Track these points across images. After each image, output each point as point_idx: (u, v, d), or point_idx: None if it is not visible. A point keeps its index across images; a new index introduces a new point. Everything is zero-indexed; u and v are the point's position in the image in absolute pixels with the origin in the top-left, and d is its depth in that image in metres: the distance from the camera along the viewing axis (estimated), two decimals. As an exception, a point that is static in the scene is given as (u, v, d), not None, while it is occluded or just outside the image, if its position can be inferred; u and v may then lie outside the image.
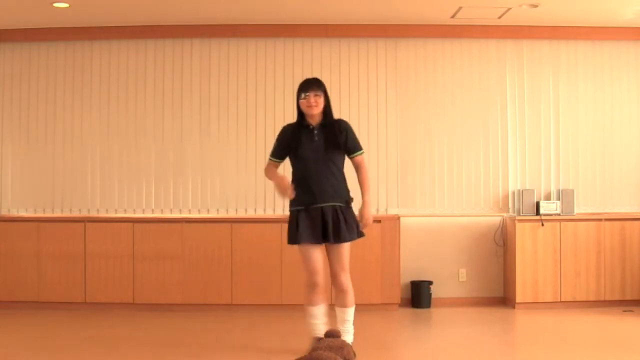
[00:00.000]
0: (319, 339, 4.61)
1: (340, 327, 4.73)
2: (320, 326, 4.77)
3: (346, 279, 4.74)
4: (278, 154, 4.90)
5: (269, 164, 4.98)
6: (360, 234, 4.81)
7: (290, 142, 4.81)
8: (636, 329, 5.83)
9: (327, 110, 4.81)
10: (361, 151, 4.91)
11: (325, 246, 4.75)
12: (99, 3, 6.31)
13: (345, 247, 4.73)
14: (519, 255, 6.71)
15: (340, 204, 4.72)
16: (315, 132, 4.77)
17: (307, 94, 4.73)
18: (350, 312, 4.77)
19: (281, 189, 4.79)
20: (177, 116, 7.10)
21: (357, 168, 4.91)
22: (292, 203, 4.79)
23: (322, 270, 4.73)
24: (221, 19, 6.83)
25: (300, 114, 4.82)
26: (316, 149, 4.74)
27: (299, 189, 4.74)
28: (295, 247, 4.78)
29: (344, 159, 4.87)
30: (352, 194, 4.85)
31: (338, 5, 6.46)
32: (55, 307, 6.69)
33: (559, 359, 4.81)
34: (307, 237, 4.67)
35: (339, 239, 4.67)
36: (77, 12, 6.53)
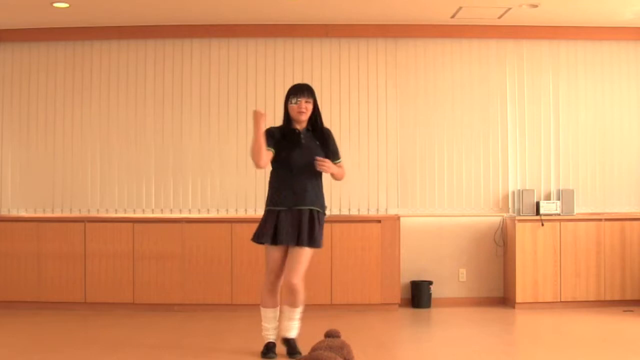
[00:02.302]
0: (269, 345, 4.80)
1: (286, 323, 4.81)
2: (272, 331, 4.86)
3: (299, 282, 4.74)
4: (271, 142, 4.78)
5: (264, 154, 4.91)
6: (320, 246, 4.81)
7: (281, 140, 4.79)
8: (636, 329, 5.83)
9: (316, 116, 4.85)
10: (340, 159, 4.98)
11: (289, 246, 4.76)
12: (99, 3, 6.31)
13: (308, 252, 4.75)
14: (519, 255, 6.71)
15: (319, 210, 4.78)
16: (302, 136, 4.80)
17: (299, 99, 4.76)
18: (298, 311, 4.82)
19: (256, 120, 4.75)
20: (177, 116, 7.10)
21: (340, 172, 4.99)
22: (272, 203, 4.80)
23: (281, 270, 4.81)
24: (221, 19, 6.83)
25: (287, 118, 4.86)
26: (302, 154, 4.76)
27: (282, 189, 4.77)
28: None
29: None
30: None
31: (338, 5, 6.46)
32: (55, 307, 6.70)
33: (559, 359, 4.82)
34: (285, 239, 4.69)
35: (310, 242, 4.70)
36: (77, 12, 6.53)
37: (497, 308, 6.85)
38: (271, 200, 4.81)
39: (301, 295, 4.78)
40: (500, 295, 7.08)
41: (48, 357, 4.86)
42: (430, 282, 6.94)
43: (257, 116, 4.72)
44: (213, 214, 7.03)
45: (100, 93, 7.13)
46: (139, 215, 7.00)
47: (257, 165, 4.76)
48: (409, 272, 7.00)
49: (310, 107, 4.80)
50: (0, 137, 7.15)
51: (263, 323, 4.88)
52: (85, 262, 6.79)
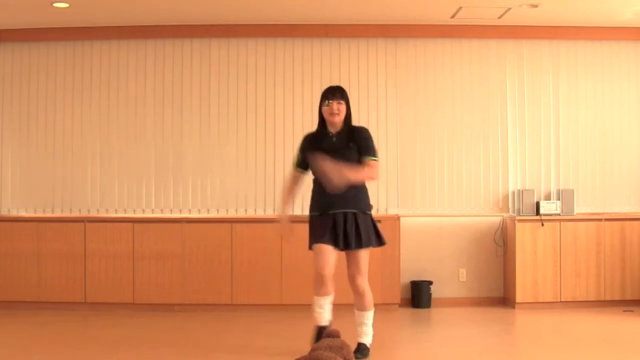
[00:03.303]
0: (322, 328, 4.66)
1: (358, 329, 4.78)
2: (324, 315, 4.76)
3: (362, 282, 4.74)
4: (301, 163, 4.89)
5: (291, 176, 4.99)
6: (381, 243, 4.80)
7: (312, 150, 4.79)
8: (636, 329, 5.83)
9: (348, 118, 4.82)
10: (372, 157, 4.78)
11: (345, 253, 4.76)
12: (99, 3, 6.31)
13: (362, 254, 4.74)
14: (519, 255, 6.71)
15: (356, 211, 4.72)
16: (334, 139, 4.77)
17: (331, 101, 4.74)
18: (367, 315, 4.79)
19: (281, 230, 4.88)
20: (177, 116, 7.10)
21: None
22: (311, 209, 4.82)
23: (332, 266, 4.72)
24: (221, 19, 6.83)
25: (322, 121, 4.84)
26: (334, 155, 4.68)
27: (316, 195, 4.80)
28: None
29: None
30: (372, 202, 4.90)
31: (338, 5, 6.46)
32: (55, 307, 6.69)
33: (559, 359, 4.81)
34: (322, 239, 4.68)
35: (354, 245, 4.69)
36: (77, 12, 6.53)
37: (497, 308, 6.85)
38: (310, 206, 4.84)
39: (367, 298, 4.76)
40: (500, 295, 7.08)
41: (48, 357, 4.86)
42: (430, 282, 6.94)
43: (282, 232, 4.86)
44: (213, 214, 7.03)
45: (100, 93, 7.12)
46: (139, 215, 7.00)
47: (298, 181, 4.94)
48: (409, 272, 7.00)
49: (343, 108, 4.75)
50: (0, 137, 7.15)
51: (315, 308, 4.75)
52: (85, 262, 6.78)
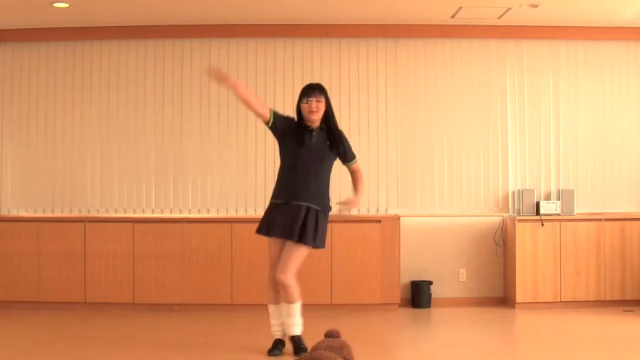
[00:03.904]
0: (276, 341, 4.81)
1: (286, 320, 4.82)
2: (277, 327, 4.87)
3: (285, 277, 4.72)
4: (278, 118, 4.83)
5: (263, 104, 4.94)
6: (319, 246, 4.82)
7: (291, 134, 4.82)
8: (636, 329, 5.83)
9: (328, 116, 4.87)
10: (355, 159, 5.02)
11: (286, 242, 4.78)
12: (99, 3, 6.31)
13: (301, 250, 4.75)
14: (519, 255, 6.71)
15: (318, 208, 4.78)
16: (314, 134, 4.82)
17: (310, 99, 4.79)
18: (295, 307, 4.79)
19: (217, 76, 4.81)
20: (177, 116, 7.10)
21: (355, 173, 5.04)
22: (273, 196, 4.87)
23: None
24: (221, 19, 6.83)
25: (300, 118, 4.87)
26: (311, 151, 4.79)
27: (284, 183, 4.82)
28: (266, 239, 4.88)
29: (331, 167, 4.93)
30: (331, 203, 4.96)
31: (338, 5, 6.46)
32: (55, 307, 6.69)
33: (558, 359, 4.82)
34: (278, 231, 4.73)
35: (300, 239, 4.71)
36: (77, 12, 6.53)
37: (497, 308, 6.85)
38: (273, 193, 4.88)
39: (292, 290, 4.75)
40: (500, 295, 7.08)
41: (48, 357, 4.86)
42: (430, 282, 6.94)
43: (217, 76, 4.77)
44: (213, 214, 7.03)
45: (100, 93, 7.13)
46: (139, 215, 7.00)
47: (262, 116, 4.79)
48: (409, 272, 7.00)
49: (321, 106, 4.80)
50: (0, 137, 7.15)
51: (270, 319, 4.90)
52: (85, 262, 6.78)
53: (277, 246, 4.80)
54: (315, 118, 4.80)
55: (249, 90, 4.95)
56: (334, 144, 4.86)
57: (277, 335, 4.88)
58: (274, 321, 4.88)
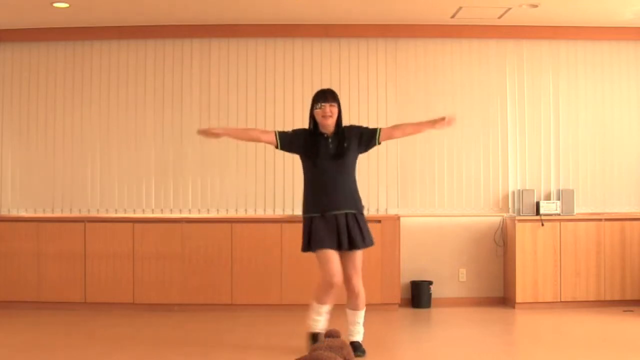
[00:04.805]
0: (316, 335, 4.75)
1: (351, 328, 4.85)
2: (321, 323, 4.83)
3: (358, 283, 4.82)
4: (286, 139, 4.84)
5: (264, 131, 4.98)
6: (369, 245, 4.86)
7: (305, 148, 4.83)
8: (636, 329, 5.83)
9: (339, 120, 4.87)
10: (379, 129, 4.93)
11: (339, 252, 4.78)
12: (99, 3, 6.31)
13: (359, 254, 4.82)
14: (519, 255, 6.71)
15: (354, 212, 4.79)
16: (330, 140, 4.81)
17: (323, 104, 4.78)
18: (361, 315, 4.88)
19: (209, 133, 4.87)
20: (177, 116, 7.10)
21: (393, 130, 5.02)
22: (307, 210, 4.83)
23: (341, 272, 4.76)
24: (221, 19, 6.83)
25: (314, 123, 4.86)
26: (332, 158, 4.78)
27: (313, 196, 4.81)
28: (308, 253, 4.84)
29: (355, 167, 4.91)
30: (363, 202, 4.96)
31: (338, 5, 6.46)
32: (55, 307, 6.69)
33: (559, 359, 4.82)
34: (325, 243, 4.71)
35: (353, 246, 4.74)
36: (77, 12, 6.53)
37: (497, 308, 6.85)
38: (305, 207, 4.84)
39: (363, 297, 4.86)
40: (500, 295, 7.08)
41: (48, 357, 4.86)
42: (430, 282, 6.94)
43: (206, 134, 4.86)
44: (213, 214, 7.02)
45: (100, 93, 7.12)
46: (139, 215, 7.00)
47: (270, 142, 4.84)
48: (409, 272, 7.00)
49: (335, 110, 4.80)
50: (0, 137, 7.15)
51: (312, 315, 4.83)
52: (85, 262, 6.78)
53: (332, 253, 4.73)
54: (330, 123, 4.79)
55: (240, 129, 5.00)
56: (349, 138, 4.81)
57: (319, 329, 4.79)
58: (318, 317, 4.82)
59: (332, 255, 4.72)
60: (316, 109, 4.80)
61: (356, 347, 4.77)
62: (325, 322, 4.85)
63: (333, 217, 4.73)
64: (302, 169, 4.92)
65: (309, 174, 4.86)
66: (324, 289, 4.77)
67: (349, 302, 4.87)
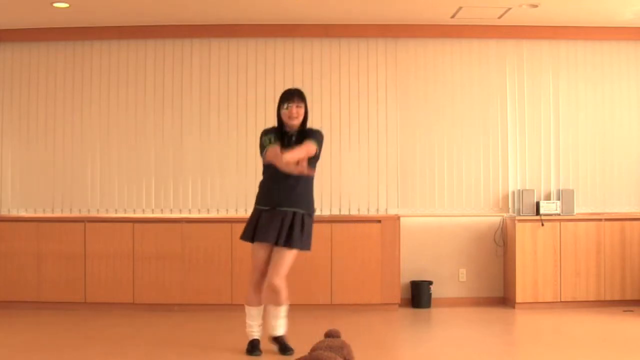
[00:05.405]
0: (253, 341, 4.90)
1: (273, 322, 4.93)
2: (255, 328, 4.98)
3: (276, 280, 4.82)
4: (266, 142, 4.85)
5: (275, 148, 4.80)
6: (305, 248, 4.87)
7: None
8: (636, 329, 5.83)
9: (305, 119, 4.91)
10: (314, 140, 4.82)
11: (274, 247, 4.84)
12: (99, 3, 6.31)
13: (290, 253, 4.82)
14: (519, 255, 6.71)
15: (303, 212, 4.84)
16: (294, 138, 4.86)
17: (290, 104, 4.83)
18: (283, 310, 4.93)
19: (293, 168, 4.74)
20: (177, 116, 7.10)
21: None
22: (259, 201, 4.93)
23: (264, 269, 4.87)
24: (221, 19, 6.83)
25: (280, 122, 4.91)
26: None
27: (268, 190, 4.89)
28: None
29: (314, 169, 4.91)
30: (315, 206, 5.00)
31: (338, 5, 6.46)
32: (55, 307, 6.69)
33: (559, 359, 4.82)
34: (265, 237, 4.79)
35: (288, 244, 4.77)
36: (77, 12, 6.53)
37: (497, 308, 6.85)
38: (257, 200, 4.95)
39: (283, 293, 4.86)
40: (500, 295, 7.08)
41: (48, 357, 4.86)
42: (430, 282, 6.94)
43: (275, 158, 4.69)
44: (213, 214, 7.03)
45: (100, 93, 7.13)
46: (139, 215, 7.00)
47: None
48: (409, 272, 7.00)
49: (301, 111, 4.86)
50: (0, 137, 7.15)
51: (247, 321, 4.99)
52: (85, 262, 6.79)
53: (263, 251, 4.86)
54: (296, 123, 4.85)
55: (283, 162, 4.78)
56: (307, 138, 4.81)
57: (255, 335, 4.97)
58: (252, 322, 4.98)
59: (264, 251, 4.82)
60: (283, 109, 4.85)
61: (283, 343, 4.89)
62: (259, 327, 4.96)
63: (281, 212, 4.79)
64: (263, 161, 4.91)
65: (271, 168, 4.83)
66: (248, 285, 4.95)
67: (270, 298, 4.90)
